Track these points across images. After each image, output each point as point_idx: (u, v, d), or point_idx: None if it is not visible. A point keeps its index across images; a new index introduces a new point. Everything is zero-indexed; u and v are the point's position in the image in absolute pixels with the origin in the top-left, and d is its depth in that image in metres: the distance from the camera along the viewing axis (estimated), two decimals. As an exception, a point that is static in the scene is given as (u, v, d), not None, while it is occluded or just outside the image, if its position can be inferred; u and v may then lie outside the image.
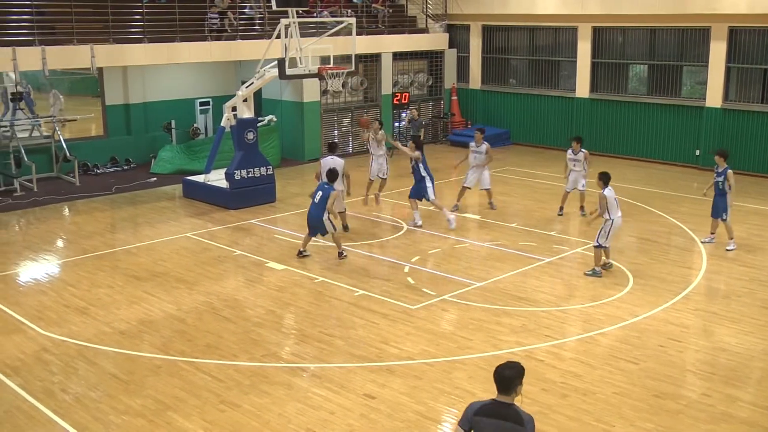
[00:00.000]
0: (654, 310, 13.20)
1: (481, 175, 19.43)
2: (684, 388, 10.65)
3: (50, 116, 22.86)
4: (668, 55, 25.94)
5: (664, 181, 23.16)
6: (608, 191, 14.76)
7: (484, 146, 19.29)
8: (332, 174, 15.70)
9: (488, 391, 10.21)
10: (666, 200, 20.64)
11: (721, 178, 16.33)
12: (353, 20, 20.34)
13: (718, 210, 16.47)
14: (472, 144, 19.56)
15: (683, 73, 25.76)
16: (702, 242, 16.79)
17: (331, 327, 12.48)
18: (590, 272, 14.88)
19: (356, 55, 20.30)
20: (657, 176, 23.85)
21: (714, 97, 24.60)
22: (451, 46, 30.46)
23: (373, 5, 28.64)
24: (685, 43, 25.49)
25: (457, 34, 30.65)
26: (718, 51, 24.26)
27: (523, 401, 6.53)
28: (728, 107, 24.41)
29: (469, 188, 19.63)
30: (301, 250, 15.86)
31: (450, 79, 30.52)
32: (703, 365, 11.31)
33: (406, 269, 15.20)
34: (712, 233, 16.80)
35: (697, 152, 24.98)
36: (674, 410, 9.94)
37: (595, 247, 14.87)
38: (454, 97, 30.44)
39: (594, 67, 27.28)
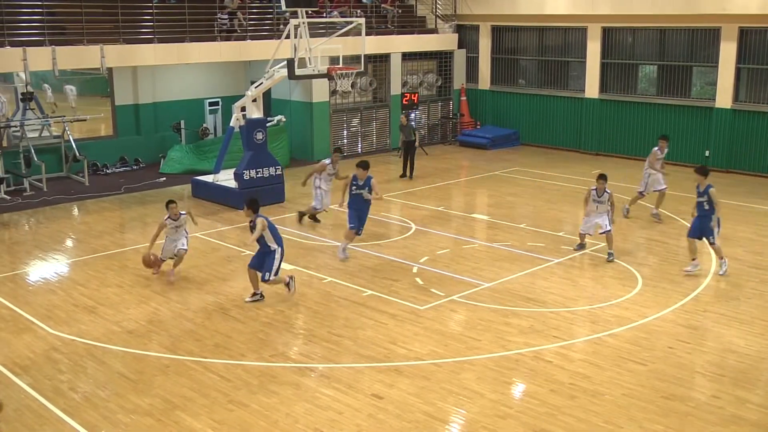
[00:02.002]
0: (663, 311, 13.16)
1: (658, 177, 18.92)
2: (693, 389, 10.62)
3: (61, 116, 22.92)
4: (678, 56, 25.86)
5: (673, 182, 22.95)
6: None
7: (665, 151, 18.98)
8: (254, 203, 13.39)
9: (496, 392, 10.29)
10: (675, 201, 20.50)
11: (703, 198, 14.67)
12: (363, 20, 20.36)
13: (703, 232, 14.80)
14: (657, 150, 18.85)
15: (693, 74, 25.67)
16: (686, 271, 14.91)
17: (339, 327, 12.47)
18: (611, 257, 15.77)
19: (365, 56, 20.31)
20: (666, 177, 23.70)
21: (724, 98, 24.51)
22: (460, 46, 30.43)
23: (383, 5, 28.65)
24: (695, 43, 25.41)
25: (467, 35, 30.62)
26: (728, 51, 24.18)
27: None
28: (738, 108, 24.32)
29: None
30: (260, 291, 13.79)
31: (459, 80, 30.49)
32: (712, 367, 11.26)
33: (415, 270, 15.20)
34: (693, 259, 14.95)
35: (707, 153, 24.89)
36: (683, 412, 9.91)
37: (608, 232, 15.86)
38: (463, 98, 30.41)
39: (603, 67, 27.22)
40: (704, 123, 25.01)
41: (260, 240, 13.26)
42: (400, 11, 28.99)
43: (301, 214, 18.69)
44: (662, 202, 19.01)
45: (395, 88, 28.20)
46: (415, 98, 28.43)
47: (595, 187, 15.76)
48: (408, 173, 23.47)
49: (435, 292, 13.95)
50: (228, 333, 12.24)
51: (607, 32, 27.00)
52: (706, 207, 14.66)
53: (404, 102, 28.20)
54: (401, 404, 9.98)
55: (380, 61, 27.62)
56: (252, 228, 13.26)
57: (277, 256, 13.36)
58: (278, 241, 13.41)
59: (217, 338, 12.05)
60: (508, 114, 29.86)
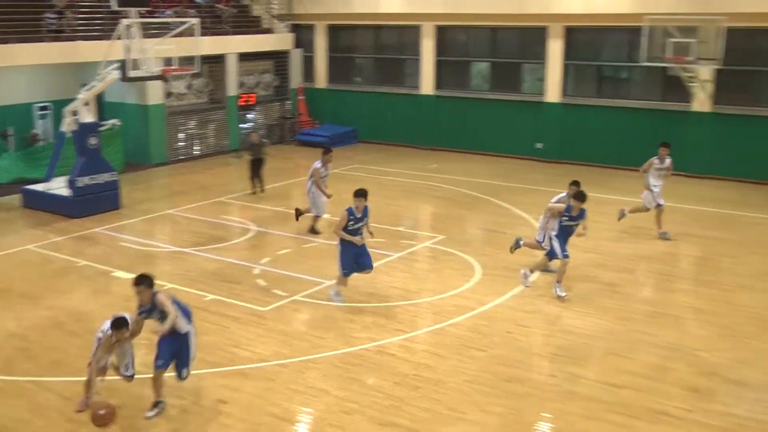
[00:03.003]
0: (501, 298, 13.63)
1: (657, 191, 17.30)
2: (531, 371, 11.09)
3: None
4: (509, 53, 26.89)
5: (507, 174, 23.91)
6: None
7: (669, 160, 17.23)
8: (145, 278, 9.64)
9: (342, 388, 10.37)
10: (510, 192, 21.30)
11: (575, 223, 13.76)
12: (197, 21, 20.04)
13: (556, 251, 13.84)
14: (656, 160, 17.19)
15: (523, 70, 26.75)
16: (563, 297, 13.76)
17: (182, 334, 12.22)
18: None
19: (200, 56, 20.02)
20: (501, 169, 24.59)
21: (553, 93, 25.63)
22: (297, 45, 30.39)
23: (217, 5, 28.24)
24: (525, 41, 26.52)
25: (303, 34, 30.61)
26: (555, 49, 25.31)
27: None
28: (567, 102, 25.48)
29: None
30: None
31: (296, 79, 30.45)
32: (548, 348, 11.83)
33: (256, 271, 15.08)
34: (532, 271, 14.46)
35: (539, 145, 25.93)
36: (522, 393, 10.32)
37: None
38: (301, 97, 30.39)
39: (438, 64, 27.86)
40: (535, 117, 26.02)
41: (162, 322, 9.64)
42: (235, 11, 28.68)
43: (311, 228, 17.63)
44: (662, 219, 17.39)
45: (232, 89, 27.88)
46: (252, 99, 28.24)
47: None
48: (259, 189, 21.32)
49: (278, 292, 13.88)
50: (65, 349, 11.75)
51: (440, 30, 27.65)
52: (572, 230, 13.90)
53: (240, 103, 27.98)
54: (247, 407, 9.90)
55: (216, 61, 27.22)
56: (149, 311, 9.64)
57: (193, 339, 9.95)
58: (188, 315, 9.97)
59: (54, 355, 11.55)
60: (346, 112, 30.06)
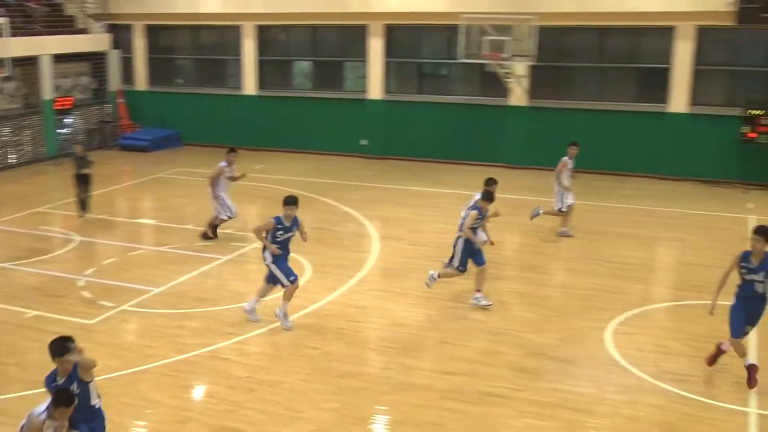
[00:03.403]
0: (332, 295, 13.76)
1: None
2: (365, 365, 11.26)
3: None
4: (330, 52, 27.12)
5: (333, 171, 24.14)
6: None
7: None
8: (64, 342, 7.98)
9: (174, 397, 10.19)
10: (337, 189, 21.52)
11: (484, 220, 13.52)
12: (5, 20, 19.11)
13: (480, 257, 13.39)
14: (569, 160, 17.20)
15: (346, 68, 27.04)
16: (487, 305, 13.30)
17: (2, 354, 11.59)
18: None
19: (11, 58, 19.06)
20: (327, 167, 24.79)
21: (375, 90, 26.07)
22: (115, 46, 29.43)
23: (27, 3, 26.93)
24: (346, 39, 26.81)
25: (120, 35, 29.66)
26: (376, 47, 25.75)
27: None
28: (389, 99, 25.98)
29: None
30: None
31: (115, 82, 29.48)
32: (381, 341, 12.03)
33: (81, 283, 14.49)
34: (441, 276, 13.74)
35: (363, 142, 26.29)
36: (357, 387, 10.46)
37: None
38: (121, 100, 29.46)
39: (260, 64, 27.74)
40: (359, 114, 26.38)
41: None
42: (46, 10, 27.45)
43: (211, 229, 16.96)
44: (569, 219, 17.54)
45: (47, 93, 26.66)
46: (69, 103, 27.15)
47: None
48: (85, 207, 18.85)
49: (104, 303, 13.39)
50: None
51: (261, 30, 27.52)
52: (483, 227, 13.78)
53: (57, 107, 26.81)
54: (75, 424, 9.53)
55: (29, 63, 25.93)
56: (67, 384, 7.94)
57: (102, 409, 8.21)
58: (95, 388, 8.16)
59: None
60: (169, 114, 29.38)
